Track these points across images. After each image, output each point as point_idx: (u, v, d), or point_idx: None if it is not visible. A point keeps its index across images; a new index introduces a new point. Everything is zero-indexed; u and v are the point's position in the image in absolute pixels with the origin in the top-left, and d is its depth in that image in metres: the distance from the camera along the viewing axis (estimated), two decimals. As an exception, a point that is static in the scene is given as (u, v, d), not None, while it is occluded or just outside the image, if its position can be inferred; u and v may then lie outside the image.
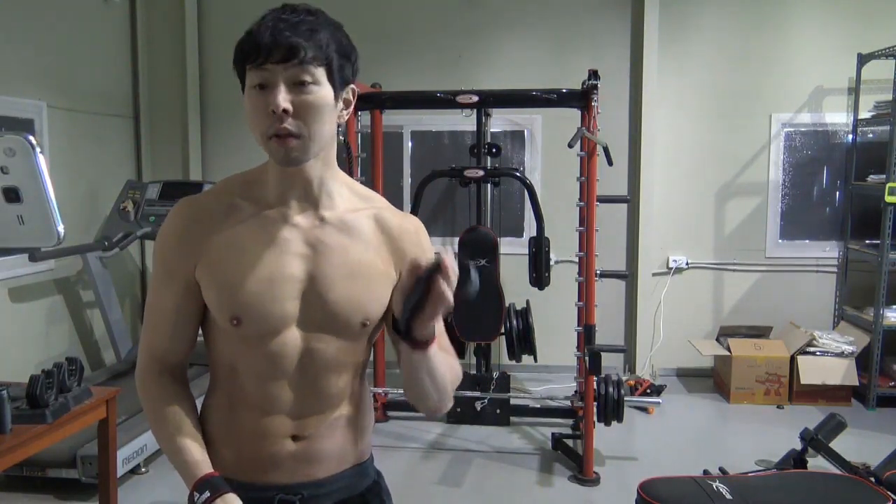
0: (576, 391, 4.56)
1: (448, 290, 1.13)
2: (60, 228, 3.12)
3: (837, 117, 5.40)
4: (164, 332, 1.29)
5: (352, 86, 1.26)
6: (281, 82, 1.16)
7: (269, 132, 1.18)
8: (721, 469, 3.36)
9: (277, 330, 1.25)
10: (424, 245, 1.34)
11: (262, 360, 1.27)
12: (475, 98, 4.10)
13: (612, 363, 5.21)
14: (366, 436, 1.41)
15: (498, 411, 4.54)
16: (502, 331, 4.44)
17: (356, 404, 1.37)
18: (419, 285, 1.14)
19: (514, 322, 4.55)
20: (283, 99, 1.16)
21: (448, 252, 1.15)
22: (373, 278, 1.28)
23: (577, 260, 4.32)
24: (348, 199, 1.31)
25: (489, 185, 4.78)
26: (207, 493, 1.18)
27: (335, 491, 1.36)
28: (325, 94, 1.19)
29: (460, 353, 4.63)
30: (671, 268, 5.58)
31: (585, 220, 3.87)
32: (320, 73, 1.18)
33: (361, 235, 1.29)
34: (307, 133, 1.18)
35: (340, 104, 1.24)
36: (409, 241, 1.32)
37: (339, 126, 1.27)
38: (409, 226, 1.34)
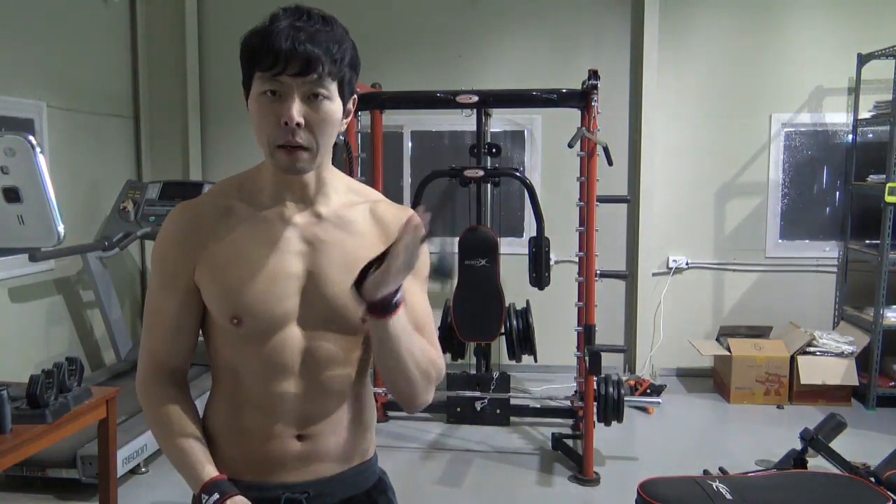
0: (576, 391, 4.56)
1: (412, 245, 1.07)
2: (60, 228, 3.12)
3: (837, 117, 5.39)
4: (166, 337, 1.29)
5: (354, 95, 1.26)
6: (295, 94, 1.15)
7: (278, 142, 1.17)
8: (721, 469, 3.36)
9: (278, 328, 1.25)
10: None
11: (264, 359, 1.26)
12: (475, 98, 4.09)
13: (612, 363, 5.21)
14: (369, 433, 1.41)
15: (498, 411, 4.54)
16: (502, 331, 4.43)
17: (359, 402, 1.36)
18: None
19: (514, 322, 4.55)
20: (298, 112, 1.15)
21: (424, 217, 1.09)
22: None
23: (577, 260, 4.31)
24: (343, 194, 1.31)
25: (489, 185, 4.77)
26: (216, 496, 1.18)
27: (341, 489, 1.36)
28: (336, 108, 1.19)
29: (460, 353, 4.63)
30: (671, 268, 5.58)
31: (585, 220, 3.87)
32: (333, 87, 1.18)
33: (357, 229, 1.29)
34: (316, 146, 1.18)
35: (343, 114, 1.23)
36: None
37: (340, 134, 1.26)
38: (405, 216, 1.30)
